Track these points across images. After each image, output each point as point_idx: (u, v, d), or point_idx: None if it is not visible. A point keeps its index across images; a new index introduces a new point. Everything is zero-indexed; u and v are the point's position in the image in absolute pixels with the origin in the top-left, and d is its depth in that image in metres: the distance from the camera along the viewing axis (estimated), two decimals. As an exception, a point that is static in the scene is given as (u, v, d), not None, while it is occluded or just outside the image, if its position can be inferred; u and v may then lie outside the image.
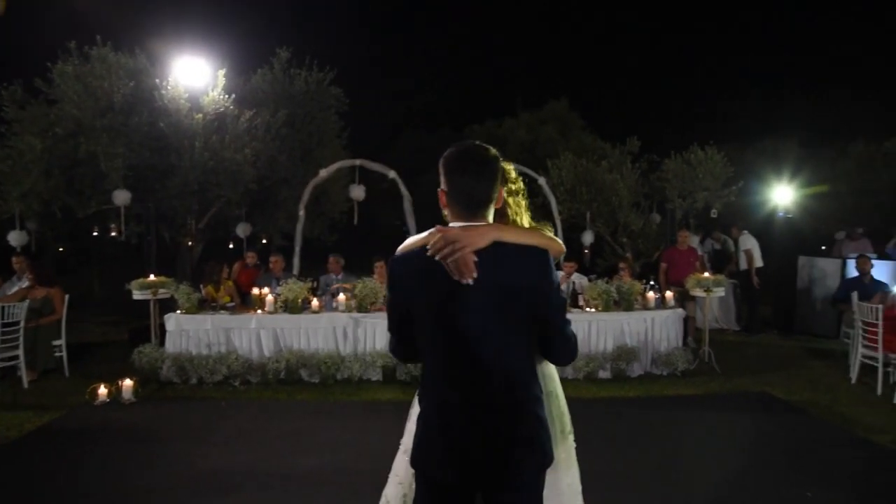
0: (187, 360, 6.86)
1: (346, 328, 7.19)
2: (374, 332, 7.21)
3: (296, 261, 9.82)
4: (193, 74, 9.61)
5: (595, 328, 7.66)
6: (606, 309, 7.75)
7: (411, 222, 10.40)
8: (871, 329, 6.99)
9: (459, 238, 1.76)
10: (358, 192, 10.10)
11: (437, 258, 1.77)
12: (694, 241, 11.04)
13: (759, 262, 10.85)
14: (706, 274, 8.60)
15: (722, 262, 11.38)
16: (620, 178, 12.26)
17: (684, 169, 11.65)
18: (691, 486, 4.32)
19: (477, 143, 1.92)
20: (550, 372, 2.25)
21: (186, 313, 7.11)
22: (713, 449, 5.17)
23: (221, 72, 9.74)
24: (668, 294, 8.42)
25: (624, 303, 7.91)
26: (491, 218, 1.93)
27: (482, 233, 1.80)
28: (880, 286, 8.76)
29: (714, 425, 5.80)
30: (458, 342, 1.82)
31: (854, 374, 7.29)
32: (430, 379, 1.94)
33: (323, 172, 9.84)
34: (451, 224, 1.89)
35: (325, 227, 12.39)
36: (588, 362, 7.34)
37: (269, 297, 7.17)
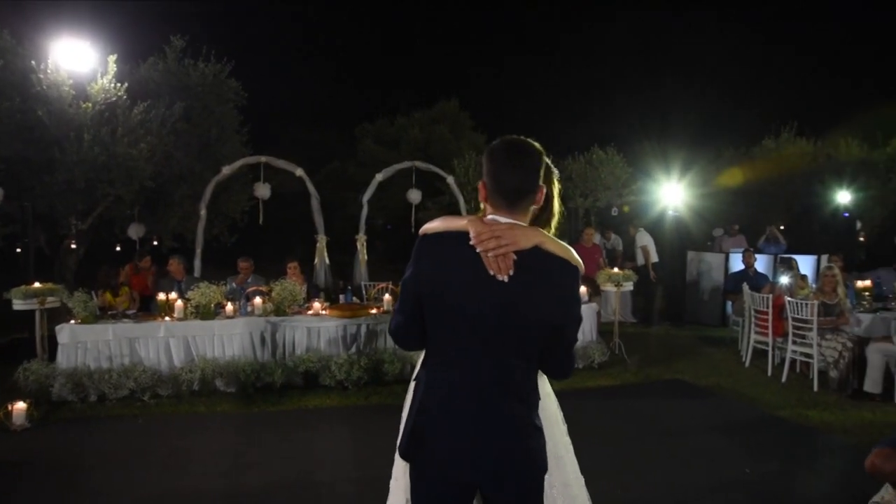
0: (85, 375, 6.18)
1: (263, 333, 6.80)
2: (294, 337, 6.88)
3: (197, 263, 9.21)
4: (77, 59, 8.68)
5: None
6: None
7: (319, 221, 10.07)
8: (761, 316, 7.61)
9: (506, 234, 1.76)
10: (263, 190, 9.64)
11: (479, 249, 1.74)
12: (597, 238, 11.56)
13: (654, 257, 11.55)
14: (615, 269, 9.00)
15: (612, 259, 11.98)
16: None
17: (587, 169, 12.16)
18: (638, 472, 4.47)
19: (522, 137, 1.89)
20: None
21: (83, 323, 6.40)
22: (648, 435, 5.38)
23: (112, 58, 8.86)
24: (583, 289, 8.70)
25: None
26: (529, 217, 1.91)
27: (528, 235, 1.80)
28: (764, 278, 9.60)
29: (641, 413, 6.07)
30: (474, 333, 1.78)
31: (747, 358, 7.92)
32: (434, 366, 1.88)
33: (226, 169, 9.29)
34: (490, 217, 1.85)
35: (224, 228, 11.70)
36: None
37: (179, 303, 6.63)
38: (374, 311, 7.30)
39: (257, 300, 6.90)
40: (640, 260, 11.59)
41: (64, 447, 5.06)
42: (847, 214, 14.56)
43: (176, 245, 11.19)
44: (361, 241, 10.15)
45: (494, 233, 1.75)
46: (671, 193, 13.20)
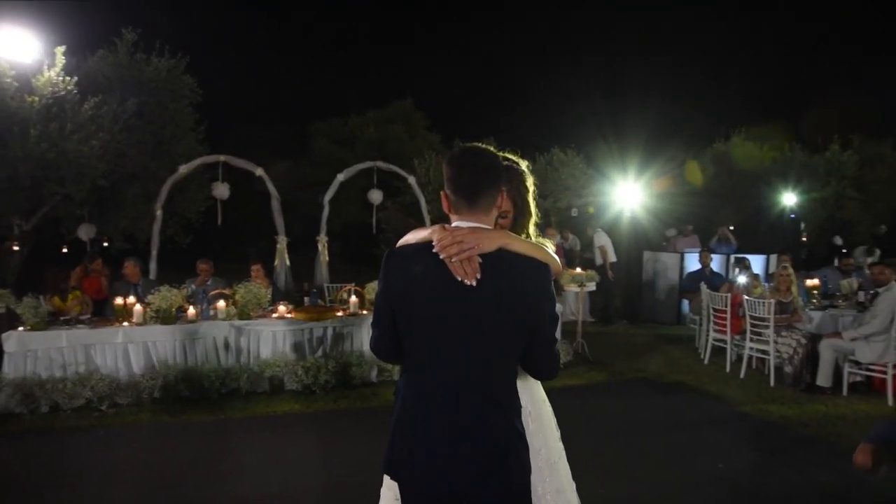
0: (36, 384, 5.85)
1: (227, 338, 6.61)
2: (259, 340, 6.71)
3: (153, 265, 8.89)
4: (19, 49, 8.21)
5: (480, 325, 7.78)
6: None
7: (279, 221, 9.87)
8: (720, 315, 7.85)
9: (468, 238, 1.76)
10: (222, 190, 9.37)
11: (442, 255, 1.75)
12: (558, 238, 11.71)
13: (612, 257, 11.77)
14: (578, 270, 9.13)
15: (570, 260, 12.16)
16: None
17: (547, 170, 12.29)
18: (614, 471, 4.53)
19: (476, 143, 1.93)
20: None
21: (33, 330, 6.07)
22: (620, 434, 5.47)
23: (60, 49, 8.44)
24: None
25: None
26: (493, 219, 1.92)
27: (490, 237, 1.81)
28: (720, 277, 9.91)
29: (611, 412, 6.17)
30: (448, 342, 1.78)
31: (706, 356, 8.15)
32: (411, 377, 1.88)
33: (183, 168, 9.00)
34: (455, 224, 1.87)
35: (180, 229, 11.32)
36: (477, 359, 7.45)
37: (138, 308, 6.37)
38: (340, 313, 7.20)
39: (221, 303, 6.69)
40: (599, 260, 11.79)
41: (14, 463, 4.78)
42: (794, 216, 15.20)
43: (127, 246, 10.75)
44: (322, 241, 9.99)
45: (456, 238, 1.75)
46: (627, 194, 13.47)
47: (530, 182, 2.28)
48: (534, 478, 1.95)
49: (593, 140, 13.93)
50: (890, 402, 6.29)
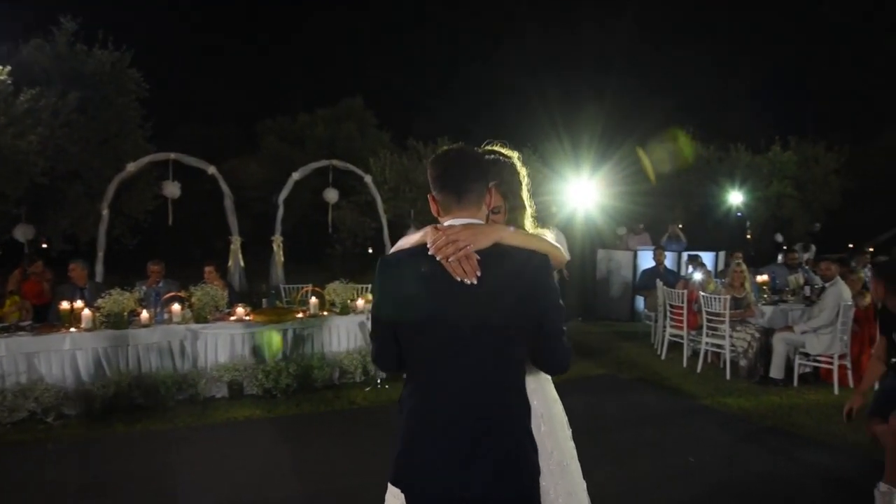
0: (-27, 396, 5.48)
1: (183, 342, 6.34)
2: (217, 344, 6.47)
3: (99, 268, 8.49)
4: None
5: (442, 325, 7.74)
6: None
7: (233, 221, 9.58)
8: (676, 311, 8.03)
9: (462, 236, 1.72)
10: (172, 189, 9.02)
11: (438, 257, 1.70)
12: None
13: (567, 255, 11.90)
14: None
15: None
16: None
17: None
18: (587, 468, 4.53)
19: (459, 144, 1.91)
20: (547, 377, 2.18)
21: (-31, 337, 5.68)
22: (590, 431, 5.44)
23: (-7, 37, 7.96)
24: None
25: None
26: (484, 216, 1.88)
27: (485, 232, 1.77)
28: (673, 274, 10.17)
29: (577, 409, 6.12)
30: (452, 345, 1.73)
31: (663, 351, 8.34)
32: (416, 386, 1.81)
33: (131, 166, 8.61)
34: (446, 223, 1.81)
35: (126, 229, 10.83)
36: (439, 359, 7.41)
37: (86, 312, 6.04)
38: (300, 315, 7.02)
39: (176, 307, 6.42)
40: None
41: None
42: (740, 214, 15.76)
43: (69, 248, 10.22)
44: (278, 242, 9.76)
45: (450, 237, 1.71)
46: (581, 193, 13.66)
47: (522, 174, 2.22)
48: (546, 481, 1.91)
49: (548, 139, 14.12)
50: (836, 391, 6.56)
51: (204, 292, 6.52)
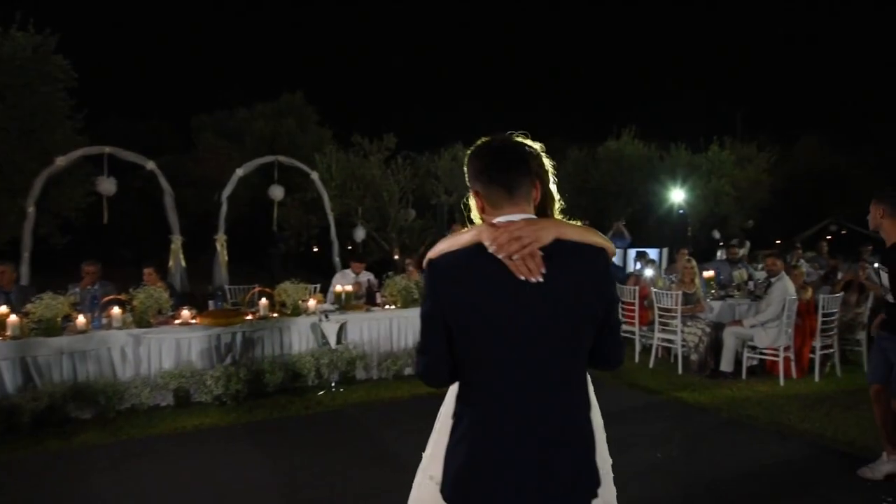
0: None
1: (124, 348, 5.94)
2: (161, 349, 6.10)
3: (24, 269, 7.91)
4: None
5: (396, 325, 7.60)
6: (405, 305, 7.74)
7: (173, 219, 9.10)
8: (628, 307, 8.14)
9: (525, 232, 1.60)
10: (108, 185, 8.46)
11: (500, 255, 1.59)
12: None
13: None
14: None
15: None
16: (391, 174, 12.40)
17: (452, 166, 12.26)
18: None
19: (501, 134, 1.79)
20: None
21: None
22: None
23: None
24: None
25: (421, 298, 7.97)
26: (533, 210, 1.76)
27: (546, 227, 1.66)
28: (621, 270, 10.33)
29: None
30: (519, 348, 1.62)
31: (614, 348, 8.42)
32: (476, 398, 1.69)
33: (60, 160, 8.01)
34: (498, 220, 1.68)
35: (55, 228, 10.12)
36: (394, 361, 7.27)
37: (13, 318, 5.56)
38: (249, 316, 6.71)
39: (116, 310, 6.00)
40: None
41: None
42: (682, 211, 16.23)
43: (-13, 248, 9.48)
44: (221, 241, 9.35)
45: (513, 234, 1.60)
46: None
47: (548, 164, 2.13)
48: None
49: (490, 134, 14.02)
50: (781, 382, 6.78)
51: (147, 294, 6.12)
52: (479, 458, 1.65)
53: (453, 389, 1.95)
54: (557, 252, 1.63)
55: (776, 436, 5.17)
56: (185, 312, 6.35)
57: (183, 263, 8.88)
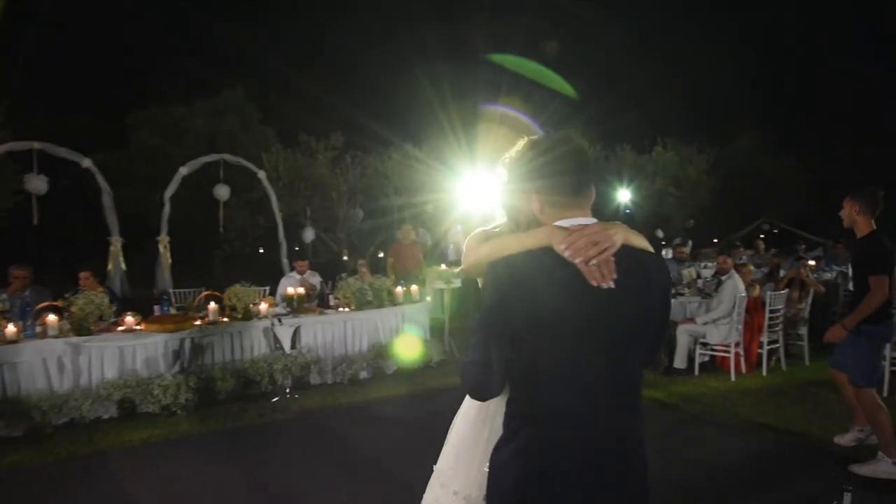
0: None
1: (61, 358, 5.55)
2: (103, 358, 5.72)
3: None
4: None
5: (351, 328, 7.43)
6: (360, 308, 7.57)
7: (112, 220, 8.62)
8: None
9: (603, 237, 1.56)
10: (38, 183, 7.92)
11: (577, 260, 1.54)
12: (414, 234, 11.58)
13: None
14: (443, 266, 9.08)
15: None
16: (340, 173, 12.16)
17: (401, 166, 12.12)
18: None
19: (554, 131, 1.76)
20: None
21: None
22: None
23: None
24: (414, 288, 8.62)
25: (376, 300, 7.84)
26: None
27: (617, 232, 1.62)
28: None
29: (497, 409, 6.10)
30: (586, 357, 1.57)
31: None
32: (537, 410, 1.60)
33: (-16, 156, 7.47)
34: (564, 223, 1.63)
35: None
36: (350, 364, 7.09)
37: (-64, 328, 5.10)
38: (198, 322, 6.40)
39: (52, 317, 5.60)
40: (452, 255, 11.87)
41: None
42: (629, 210, 16.59)
43: None
44: (164, 242, 8.91)
45: (591, 238, 1.54)
46: (478, 190, 13.70)
47: None
48: None
49: (444, 136, 14.06)
50: (732, 377, 6.96)
51: (86, 300, 5.74)
52: (544, 472, 1.57)
53: (475, 403, 1.86)
54: (625, 258, 1.59)
55: (736, 430, 5.29)
56: (130, 318, 5.98)
57: (123, 266, 8.42)
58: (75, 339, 5.61)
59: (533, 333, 1.55)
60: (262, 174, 10.48)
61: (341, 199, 12.20)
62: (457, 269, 9.09)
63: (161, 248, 8.85)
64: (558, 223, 1.63)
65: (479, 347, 1.61)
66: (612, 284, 1.54)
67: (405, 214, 12.52)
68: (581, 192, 1.66)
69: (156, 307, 6.71)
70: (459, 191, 13.81)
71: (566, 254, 1.55)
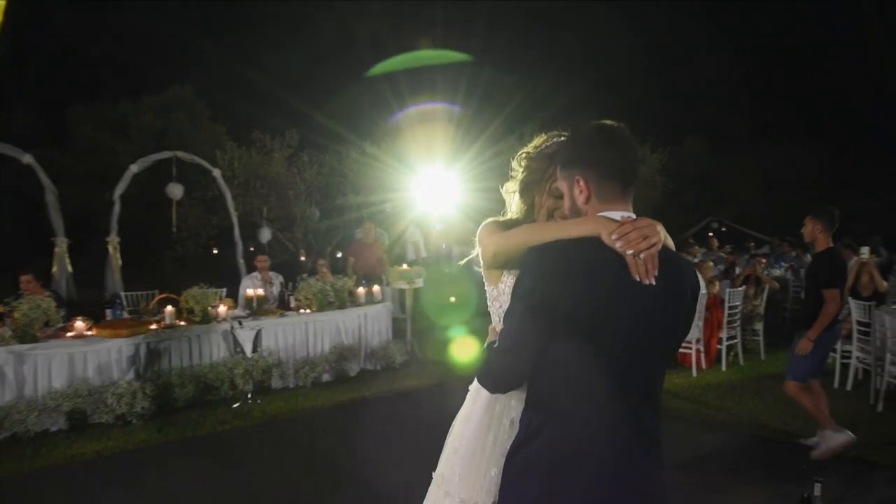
0: None
1: (3, 367, 5.20)
2: (50, 367, 5.39)
3: None
4: None
5: (312, 330, 7.26)
6: (321, 309, 7.41)
7: (57, 220, 8.19)
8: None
9: (653, 231, 1.52)
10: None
11: (628, 251, 1.48)
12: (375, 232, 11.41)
13: (423, 252, 11.86)
14: (405, 266, 8.98)
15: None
16: (297, 172, 11.89)
17: (359, 165, 11.95)
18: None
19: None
20: None
21: None
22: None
23: None
24: (376, 288, 8.48)
25: (338, 301, 7.68)
26: None
27: (661, 229, 1.58)
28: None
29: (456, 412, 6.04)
30: (622, 356, 1.51)
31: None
32: (561, 409, 1.53)
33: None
34: (609, 215, 1.57)
35: None
36: (312, 367, 6.93)
37: None
38: (154, 326, 6.12)
39: (-9, 325, 5.25)
40: (411, 255, 11.77)
41: None
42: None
43: None
44: (114, 243, 8.51)
45: (643, 231, 1.49)
46: (436, 190, 13.64)
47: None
48: None
49: (402, 134, 13.93)
50: (694, 373, 7.09)
51: (31, 305, 5.40)
52: (568, 477, 1.49)
53: (480, 404, 1.80)
54: (663, 258, 1.54)
55: (702, 426, 5.38)
56: (80, 324, 5.68)
57: (69, 269, 8.00)
58: (18, 347, 5.27)
59: (573, 324, 1.47)
60: (216, 172, 10.14)
61: (298, 198, 11.94)
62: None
63: (111, 248, 8.45)
64: (604, 214, 1.57)
65: (513, 334, 1.53)
66: (653, 281, 1.50)
67: (363, 213, 12.33)
68: (631, 186, 1.61)
69: (108, 311, 6.38)
70: (417, 190, 13.76)
71: (617, 245, 1.49)
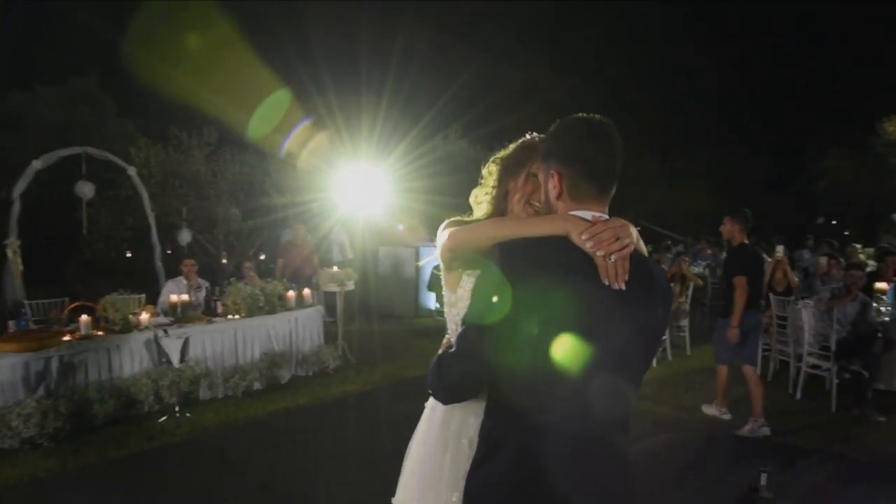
0: None
1: None
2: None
3: None
4: None
5: (241, 336, 6.95)
6: (250, 314, 7.10)
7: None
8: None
9: (626, 233, 1.43)
10: None
11: (599, 252, 1.39)
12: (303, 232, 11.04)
13: (350, 253, 11.62)
14: (335, 268, 8.74)
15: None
16: (218, 170, 11.33)
17: (285, 165, 11.56)
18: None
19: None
20: None
21: None
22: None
23: None
24: (307, 292, 8.22)
25: (268, 305, 7.39)
26: None
27: (633, 231, 1.49)
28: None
29: (403, 415, 5.90)
30: (587, 362, 1.39)
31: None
32: (525, 420, 1.41)
33: None
34: (578, 214, 1.48)
35: None
36: (243, 376, 6.61)
37: None
38: (67, 337, 5.62)
39: None
40: (337, 256, 11.50)
41: None
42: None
43: None
44: (13, 247, 7.74)
45: (616, 231, 1.41)
46: (361, 189, 13.36)
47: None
48: None
49: (326, 133, 13.57)
50: (654, 363, 7.27)
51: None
52: (536, 492, 1.39)
53: (435, 424, 1.69)
54: (633, 262, 1.46)
55: (643, 420, 5.49)
56: (-21, 337, 5.12)
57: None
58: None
59: (539, 328, 1.36)
60: (132, 170, 9.49)
61: (220, 198, 11.39)
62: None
63: (9, 253, 7.69)
64: (575, 213, 1.48)
65: (470, 338, 1.42)
66: (623, 285, 1.41)
67: (288, 214, 11.92)
68: (609, 186, 1.52)
69: (11, 322, 5.80)
70: (343, 190, 13.47)
71: (587, 245, 1.40)
